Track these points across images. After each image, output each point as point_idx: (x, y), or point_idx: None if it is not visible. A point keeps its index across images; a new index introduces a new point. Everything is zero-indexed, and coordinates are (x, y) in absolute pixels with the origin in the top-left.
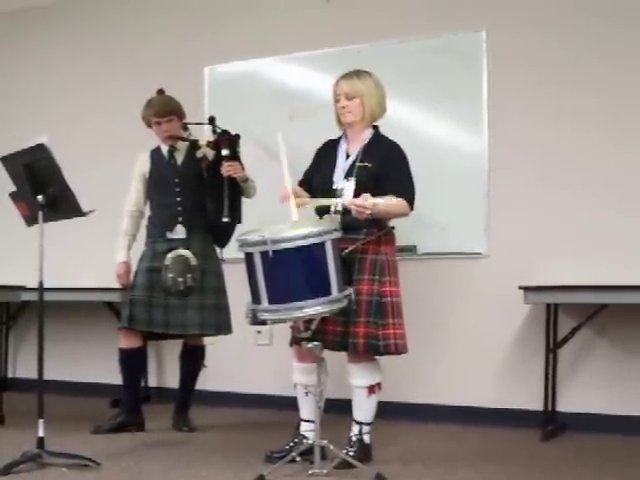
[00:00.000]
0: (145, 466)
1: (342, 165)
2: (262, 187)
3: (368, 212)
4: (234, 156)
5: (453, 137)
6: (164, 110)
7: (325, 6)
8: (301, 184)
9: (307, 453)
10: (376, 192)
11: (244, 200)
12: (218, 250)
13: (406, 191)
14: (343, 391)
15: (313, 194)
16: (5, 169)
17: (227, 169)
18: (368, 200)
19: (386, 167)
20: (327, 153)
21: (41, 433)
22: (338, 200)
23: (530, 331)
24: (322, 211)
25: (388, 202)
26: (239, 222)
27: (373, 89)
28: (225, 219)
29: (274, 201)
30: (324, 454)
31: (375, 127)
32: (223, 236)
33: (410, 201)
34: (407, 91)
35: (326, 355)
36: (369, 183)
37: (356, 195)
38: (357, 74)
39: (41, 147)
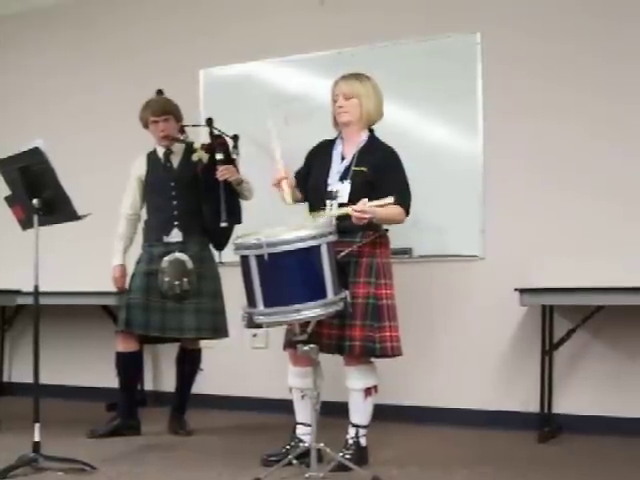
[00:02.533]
0: (141, 470)
1: (337, 167)
2: (260, 189)
3: (368, 216)
4: (228, 160)
5: (448, 139)
6: (161, 109)
7: (319, 9)
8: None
9: (303, 456)
10: (371, 196)
11: (242, 202)
12: (216, 253)
13: (402, 198)
14: (339, 394)
15: (308, 195)
16: (0, 173)
17: (221, 173)
18: (367, 205)
19: (382, 173)
20: (321, 154)
21: (37, 437)
22: (334, 202)
23: (526, 333)
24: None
25: (386, 210)
26: (239, 222)
27: (372, 92)
28: (223, 224)
29: (272, 203)
30: (320, 457)
31: (370, 130)
32: (221, 239)
33: (406, 208)
34: (402, 93)
35: (322, 358)
36: (364, 187)
37: (351, 199)
38: (356, 76)
39: (36, 151)
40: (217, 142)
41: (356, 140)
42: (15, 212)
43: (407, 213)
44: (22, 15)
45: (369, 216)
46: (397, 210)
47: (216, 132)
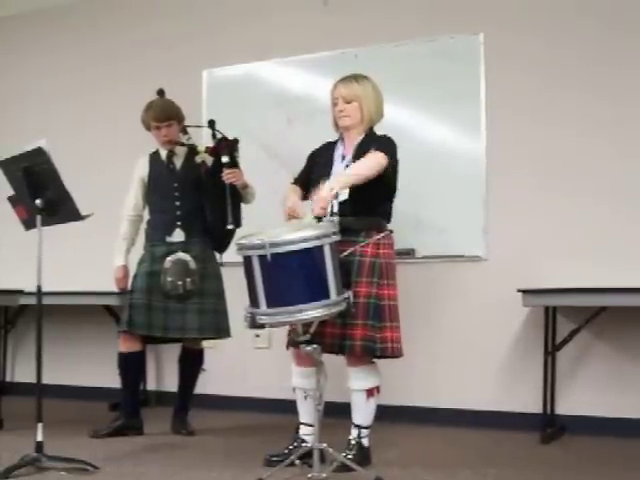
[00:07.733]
0: (144, 470)
1: (338, 169)
2: (260, 191)
3: (330, 199)
4: (234, 163)
5: (451, 140)
6: (164, 115)
7: (323, 9)
8: (295, 183)
9: (306, 456)
10: (371, 193)
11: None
12: (217, 254)
13: (383, 147)
14: (342, 394)
15: (310, 196)
16: (3, 172)
17: (228, 176)
18: (325, 190)
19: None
20: (323, 156)
21: (40, 437)
22: (334, 202)
23: (529, 334)
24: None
25: (355, 167)
26: (239, 226)
27: (371, 93)
28: (230, 226)
29: (273, 205)
30: (323, 457)
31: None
32: (223, 242)
33: (386, 152)
34: (405, 94)
35: (325, 359)
36: (364, 185)
37: (351, 196)
38: (355, 78)
39: (39, 151)
40: (224, 144)
41: (357, 141)
42: (18, 212)
43: (390, 158)
44: (24, 16)
45: (330, 199)
46: (370, 156)
47: (218, 135)
